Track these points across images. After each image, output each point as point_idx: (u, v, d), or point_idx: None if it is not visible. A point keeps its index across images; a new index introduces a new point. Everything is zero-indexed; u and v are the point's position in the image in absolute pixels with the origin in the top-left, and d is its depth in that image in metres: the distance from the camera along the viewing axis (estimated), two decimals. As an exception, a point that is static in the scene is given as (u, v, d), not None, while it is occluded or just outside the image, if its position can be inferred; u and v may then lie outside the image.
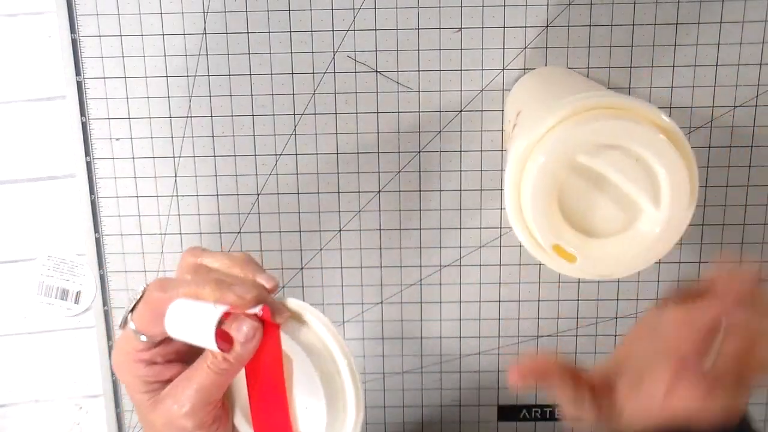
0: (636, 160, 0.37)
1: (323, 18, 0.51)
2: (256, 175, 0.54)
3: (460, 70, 0.52)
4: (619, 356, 0.41)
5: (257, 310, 0.34)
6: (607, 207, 0.39)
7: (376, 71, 0.52)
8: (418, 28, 0.51)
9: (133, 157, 0.54)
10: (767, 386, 0.57)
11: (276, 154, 0.54)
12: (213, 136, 0.54)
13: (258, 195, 0.55)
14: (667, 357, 0.36)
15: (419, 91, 0.53)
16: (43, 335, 0.58)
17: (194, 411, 0.35)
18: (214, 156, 0.54)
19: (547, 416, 0.58)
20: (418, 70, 0.52)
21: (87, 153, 0.54)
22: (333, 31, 0.52)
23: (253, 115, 0.53)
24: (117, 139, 0.54)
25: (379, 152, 0.54)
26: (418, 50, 0.52)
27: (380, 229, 0.55)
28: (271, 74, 0.52)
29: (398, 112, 0.53)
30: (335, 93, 0.53)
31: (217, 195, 0.55)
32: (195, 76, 0.53)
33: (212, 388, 0.35)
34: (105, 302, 0.57)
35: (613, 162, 0.37)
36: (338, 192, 0.55)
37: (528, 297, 0.56)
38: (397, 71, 0.52)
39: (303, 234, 0.55)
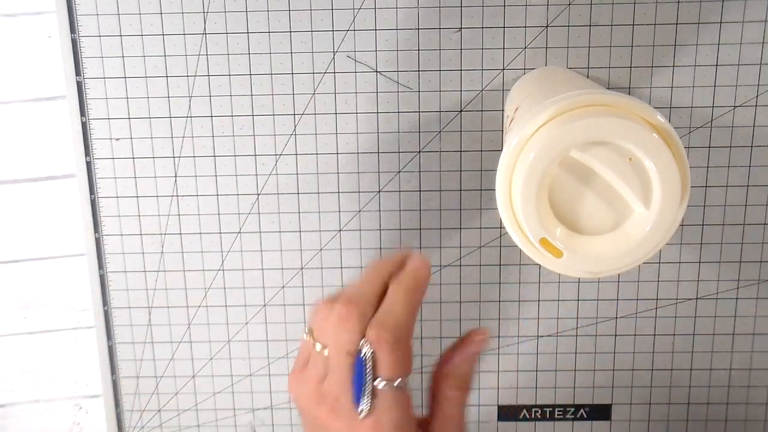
0: (629, 159, 0.37)
1: (323, 18, 0.51)
2: (256, 175, 0.54)
3: (460, 70, 0.52)
4: None
5: None
6: (597, 205, 0.39)
7: (376, 71, 0.52)
8: (418, 28, 0.51)
9: (133, 157, 0.54)
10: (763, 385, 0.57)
11: (276, 154, 0.54)
12: (213, 136, 0.54)
13: (258, 195, 0.55)
14: None
15: (419, 91, 0.53)
16: (43, 335, 0.58)
17: None
18: (214, 156, 0.54)
19: (547, 416, 0.58)
20: (418, 70, 0.52)
21: (87, 153, 0.54)
22: (333, 31, 0.52)
23: (253, 115, 0.53)
24: (117, 139, 0.54)
25: (379, 152, 0.54)
26: (418, 50, 0.52)
27: (380, 229, 0.55)
28: (271, 74, 0.53)
29: (398, 112, 0.53)
30: (335, 93, 0.53)
31: (217, 195, 0.55)
32: (195, 76, 0.53)
33: None
34: (105, 302, 0.57)
35: (605, 160, 0.37)
36: (338, 192, 0.55)
37: (528, 297, 0.56)
38: (397, 71, 0.52)
39: (303, 234, 0.55)
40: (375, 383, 0.37)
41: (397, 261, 0.41)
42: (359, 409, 0.36)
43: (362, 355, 0.37)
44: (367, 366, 0.36)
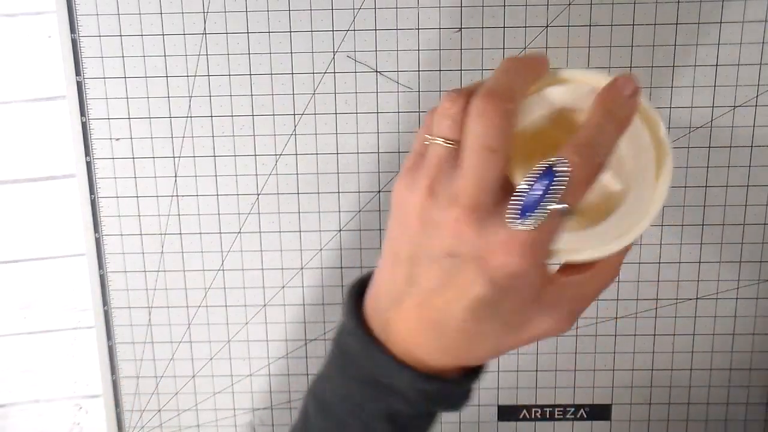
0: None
1: (323, 18, 0.51)
2: (256, 175, 0.54)
3: (460, 70, 0.52)
4: None
5: None
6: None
7: (376, 71, 0.52)
8: (418, 28, 0.51)
9: (133, 157, 0.54)
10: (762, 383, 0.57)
11: (276, 154, 0.54)
12: (213, 136, 0.54)
13: (258, 195, 0.55)
14: None
15: (419, 91, 0.53)
16: (43, 335, 0.58)
17: None
18: (214, 156, 0.54)
19: (547, 416, 0.58)
20: (418, 70, 0.52)
21: (87, 153, 0.54)
22: (333, 31, 0.52)
23: (253, 115, 0.53)
24: (117, 139, 0.54)
25: (379, 152, 0.54)
26: (418, 50, 0.52)
27: (380, 229, 0.55)
28: (271, 74, 0.53)
29: (398, 112, 0.53)
30: (335, 93, 0.53)
31: (217, 195, 0.55)
32: (195, 76, 0.53)
33: None
34: (105, 302, 0.57)
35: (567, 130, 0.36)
36: (338, 192, 0.55)
37: (528, 297, 0.56)
38: (397, 71, 0.52)
39: (303, 234, 0.55)
40: (553, 204, 0.32)
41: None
42: (521, 223, 0.32)
43: (553, 169, 0.32)
44: (557, 184, 0.32)
